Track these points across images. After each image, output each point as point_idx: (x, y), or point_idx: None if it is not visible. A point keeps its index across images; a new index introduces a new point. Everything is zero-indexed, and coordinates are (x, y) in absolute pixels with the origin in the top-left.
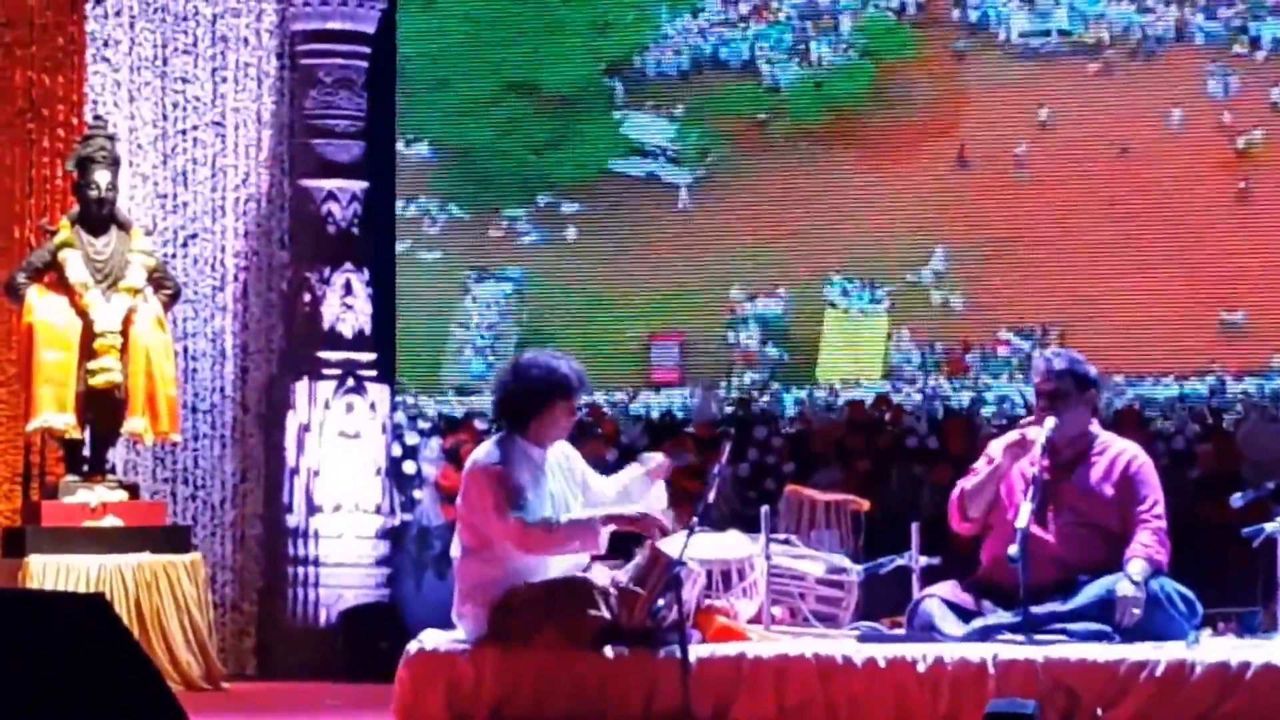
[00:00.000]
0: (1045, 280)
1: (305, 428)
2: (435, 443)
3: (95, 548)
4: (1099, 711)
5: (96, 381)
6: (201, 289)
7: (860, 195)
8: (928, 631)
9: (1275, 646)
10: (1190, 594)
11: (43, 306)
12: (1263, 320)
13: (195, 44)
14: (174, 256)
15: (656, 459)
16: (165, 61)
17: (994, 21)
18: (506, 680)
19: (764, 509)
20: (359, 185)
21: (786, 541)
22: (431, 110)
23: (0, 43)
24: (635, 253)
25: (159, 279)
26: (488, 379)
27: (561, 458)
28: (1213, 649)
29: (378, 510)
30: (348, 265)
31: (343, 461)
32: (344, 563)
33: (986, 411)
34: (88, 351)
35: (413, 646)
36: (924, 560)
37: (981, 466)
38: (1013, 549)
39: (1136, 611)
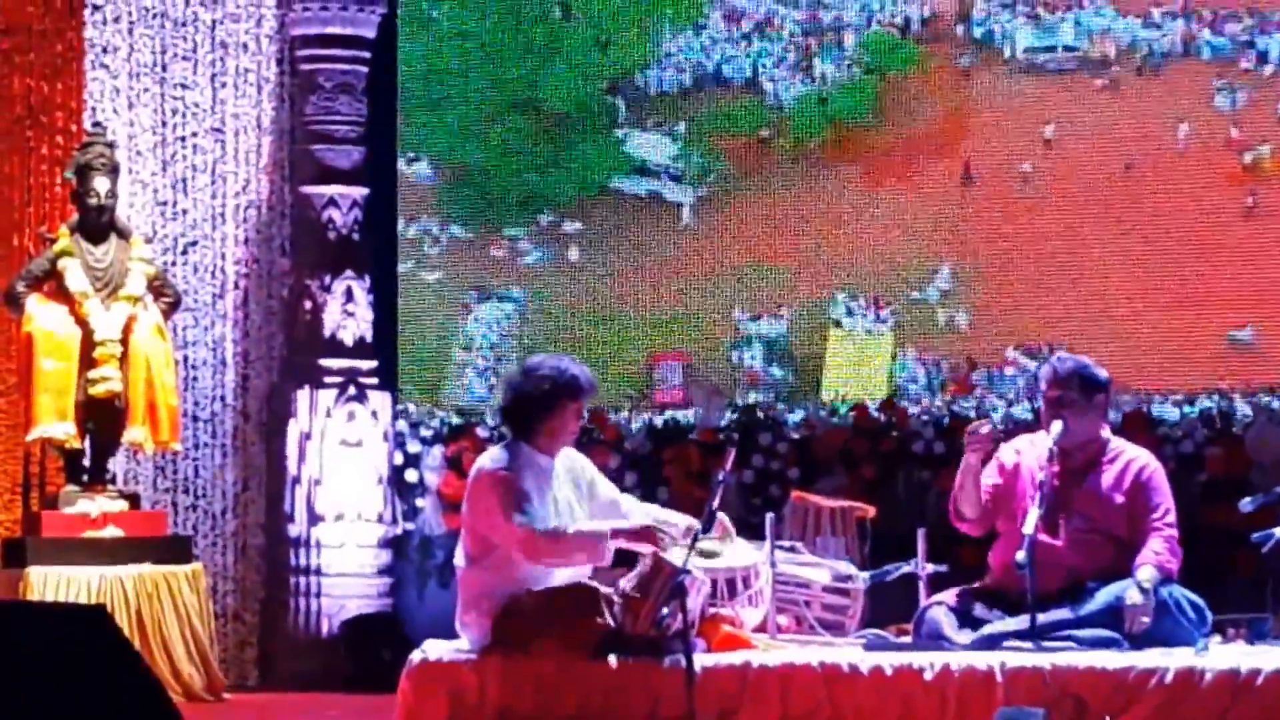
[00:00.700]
0: (1052, 298)
1: (306, 436)
2: (438, 451)
3: (96, 558)
4: (1107, 719)
5: (96, 391)
6: (202, 297)
7: (864, 213)
8: (935, 639)
9: None
10: (1200, 601)
11: (42, 315)
12: (1272, 336)
13: (194, 50)
14: (174, 264)
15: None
16: (164, 67)
17: (999, 37)
18: (510, 689)
19: (769, 516)
20: (359, 192)
21: (792, 549)
22: (432, 129)
23: None
24: (638, 272)
25: (159, 287)
26: (489, 402)
27: (570, 465)
28: (1222, 656)
29: (380, 519)
30: (349, 272)
31: (344, 470)
32: (346, 572)
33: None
34: (87, 360)
35: (415, 656)
36: (930, 567)
37: (989, 469)
38: (1020, 555)
39: (1145, 619)
